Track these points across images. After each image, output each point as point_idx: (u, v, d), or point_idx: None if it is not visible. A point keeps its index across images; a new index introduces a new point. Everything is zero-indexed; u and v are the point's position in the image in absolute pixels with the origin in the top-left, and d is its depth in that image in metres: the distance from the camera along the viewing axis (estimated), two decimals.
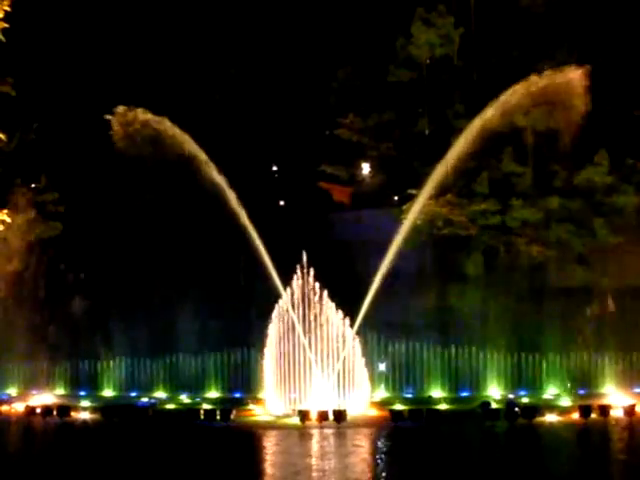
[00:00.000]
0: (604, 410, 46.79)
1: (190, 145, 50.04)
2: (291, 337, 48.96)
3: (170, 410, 52.88)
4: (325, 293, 48.87)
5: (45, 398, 56.17)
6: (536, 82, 49.04)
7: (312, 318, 48.76)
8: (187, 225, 65.23)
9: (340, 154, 73.37)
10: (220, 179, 49.87)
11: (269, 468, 33.27)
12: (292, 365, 48.85)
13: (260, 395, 52.07)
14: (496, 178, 63.86)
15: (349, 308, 49.43)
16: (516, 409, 47.00)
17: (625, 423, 45.09)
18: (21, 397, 57.83)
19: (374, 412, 49.22)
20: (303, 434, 42.32)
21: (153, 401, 55.73)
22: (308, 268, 49.07)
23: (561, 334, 58.73)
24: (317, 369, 48.39)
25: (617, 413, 47.08)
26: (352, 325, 48.95)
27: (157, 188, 64.58)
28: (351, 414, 46.07)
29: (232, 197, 49.79)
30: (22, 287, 61.68)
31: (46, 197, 66.81)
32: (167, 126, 49.98)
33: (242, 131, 74.46)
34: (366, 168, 76.39)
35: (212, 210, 54.58)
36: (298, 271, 49.09)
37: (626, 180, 63.42)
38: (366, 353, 50.51)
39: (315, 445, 39.55)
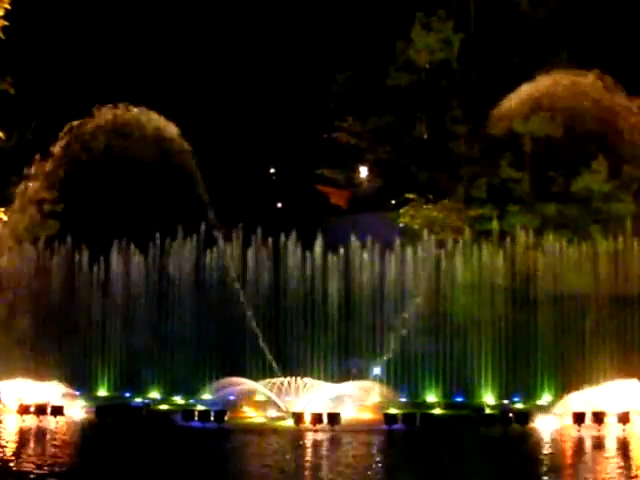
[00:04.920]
0: (598, 417, 46.75)
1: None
2: None
3: (164, 411, 52.86)
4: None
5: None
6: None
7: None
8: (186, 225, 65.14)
9: (338, 157, 73.47)
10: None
11: (260, 469, 33.23)
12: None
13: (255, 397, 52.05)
14: (494, 184, 63.88)
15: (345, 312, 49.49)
16: (510, 415, 47.10)
17: (618, 430, 45.11)
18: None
19: (368, 415, 49.23)
20: (297, 436, 42.30)
21: (147, 401, 55.80)
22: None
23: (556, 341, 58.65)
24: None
25: (611, 420, 47.02)
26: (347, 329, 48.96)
27: (153, 187, 64.57)
28: (345, 417, 46.09)
29: None
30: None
31: (44, 195, 66.66)
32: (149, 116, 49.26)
33: (240, 133, 74.54)
34: (364, 172, 76.49)
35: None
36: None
37: (624, 188, 63.43)
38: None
39: (308, 447, 39.53)
